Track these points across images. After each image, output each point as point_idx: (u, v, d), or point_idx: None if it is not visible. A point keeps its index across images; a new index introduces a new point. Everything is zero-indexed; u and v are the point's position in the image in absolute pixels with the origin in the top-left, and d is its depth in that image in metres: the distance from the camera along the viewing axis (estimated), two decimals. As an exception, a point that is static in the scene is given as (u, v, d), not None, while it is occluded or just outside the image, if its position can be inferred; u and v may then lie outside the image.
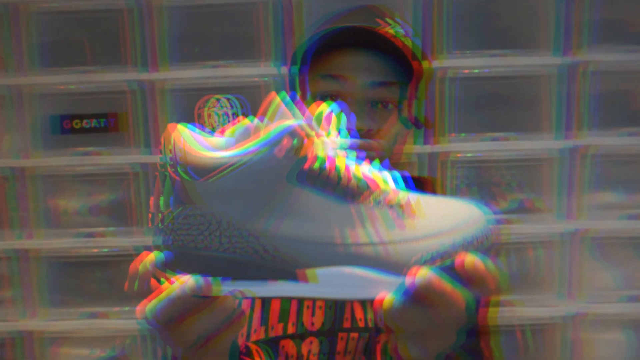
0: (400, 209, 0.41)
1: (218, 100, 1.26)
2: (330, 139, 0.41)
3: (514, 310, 1.27)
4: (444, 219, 0.41)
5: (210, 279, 0.39)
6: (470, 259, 0.38)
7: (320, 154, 0.39)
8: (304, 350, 0.65)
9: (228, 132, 0.43)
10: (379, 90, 0.68)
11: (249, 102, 1.27)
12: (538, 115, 1.28)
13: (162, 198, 0.41)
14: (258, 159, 0.37)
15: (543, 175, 1.29)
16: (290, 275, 0.39)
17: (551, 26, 1.26)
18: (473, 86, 1.29)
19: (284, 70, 1.25)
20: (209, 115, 1.27)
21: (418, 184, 0.84)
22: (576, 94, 1.28)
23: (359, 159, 0.44)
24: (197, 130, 0.44)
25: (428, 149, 1.27)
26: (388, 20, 0.71)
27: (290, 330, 0.65)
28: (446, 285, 0.37)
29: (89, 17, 1.28)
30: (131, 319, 1.29)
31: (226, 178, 0.37)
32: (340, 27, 0.66)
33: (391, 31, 0.69)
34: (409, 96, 0.75)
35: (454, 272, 0.38)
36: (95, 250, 1.28)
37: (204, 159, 0.38)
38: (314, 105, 0.42)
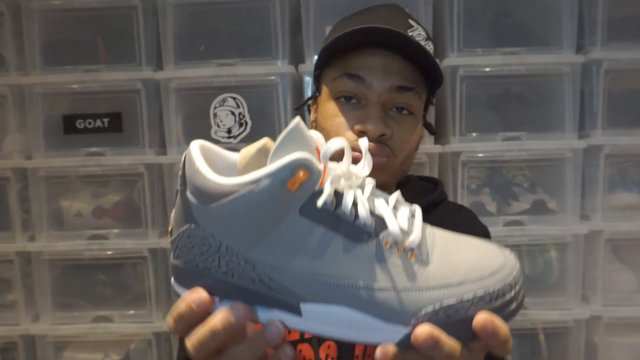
0: (410, 254, 0.38)
1: (224, 99, 1.24)
2: (343, 171, 0.39)
3: (529, 313, 1.24)
4: (457, 267, 0.38)
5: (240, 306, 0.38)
6: (481, 320, 0.35)
7: (331, 188, 0.37)
8: (322, 355, 0.63)
9: (244, 152, 0.42)
10: (397, 95, 0.65)
11: (257, 101, 1.25)
12: (552, 114, 1.26)
13: (174, 212, 0.41)
14: (264, 189, 0.36)
15: (557, 176, 1.26)
16: (286, 306, 0.38)
17: (565, 24, 1.23)
18: (485, 84, 1.26)
19: (292, 69, 1.23)
20: (215, 115, 1.24)
21: (428, 185, 0.83)
22: (591, 93, 1.25)
23: (374, 193, 0.42)
24: (217, 147, 0.43)
25: (439, 148, 1.25)
26: (412, 22, 0.68)
27: (308, 334, 0.62)
28: (452, 344, 0.35)
29: (94, 16, 1.26)
30: (137, 322, 1.27)
31: (229, 205, 0.36)
32: (371, 26, 0.62)
33: (420, 34, 0.67)
34: (426, 103, 0.73)
35: (462, 327, 0.36)
36: (101, 252, 1.26)
37: (209, 183, 0.37)
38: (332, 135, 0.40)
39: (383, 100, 0.65)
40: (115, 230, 1.27)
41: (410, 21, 0.68)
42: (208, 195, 0.37)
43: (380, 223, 0.39)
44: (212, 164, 0.41)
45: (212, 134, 1.25)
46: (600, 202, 1.24)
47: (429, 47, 0.68)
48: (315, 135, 0.42)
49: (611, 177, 1.25)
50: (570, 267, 1.25)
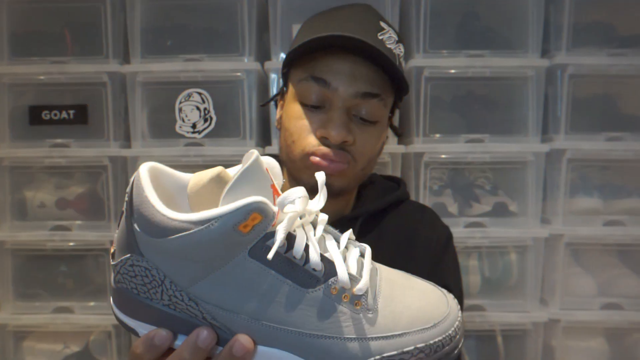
0: (357, 302, 0.38)
1: (190, 94, 1.25)
2: (298, 212, 0.38)
3: (488, 315, 1.24)
4: (400, 318, 0.38)
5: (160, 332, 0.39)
6: None
7: (284, 234, 0.36)
8: None
9: (196, 178, 0.41)
10: (361, 101, 0.64)
11: (222, 96, 1.25)
12: (515, 118, 1.27)
13: (118, 235, 0.40)
14: (215, 230, 0.35)
15: (519, 179, 1.27)
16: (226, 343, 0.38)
17: (531, 28, 1.24)
18: (449, 86, 1.27)
19: (258, 65, 1.24)
20: (180, 110, 1.25)
21: (391, 184, 0.83)
22: (555, 97, 1.26)
23: (326, 231, 0.41)
24: (167, 168, 0.42)
25: (402, 148, 1.25)
26: (383, 24, 0.67)
27: None
28: None
29: (62, 8, 1.26)
30: (97, 314, 1.27)
31: (177, 241, 0.35)
32: (337, 34, 0.60)
33: (391, 37, 0.66)
34: (392, 107, 0.72)
35: None
36: (63, 243, 1.26)
37: (158, 216, 0.36)
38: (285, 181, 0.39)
39: (347, 106, 0.64)
40: (78, 222, 1.27)
41: (382, 23, 0.67)
42: (156, 229, 0.36)
43: (329, 267, 0.38)
44: (161, 185, 0.40)
45: (177, 129, 1.26)
46: (561, 206, 1.25)
47: (400, 50, 0.68)
48: (270, 164, 0.42)
49: (573, 181, 1.26)
50: (530, 270, 1.26)
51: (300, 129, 0.65)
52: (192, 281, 0.37)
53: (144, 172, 0.39)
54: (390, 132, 0.82)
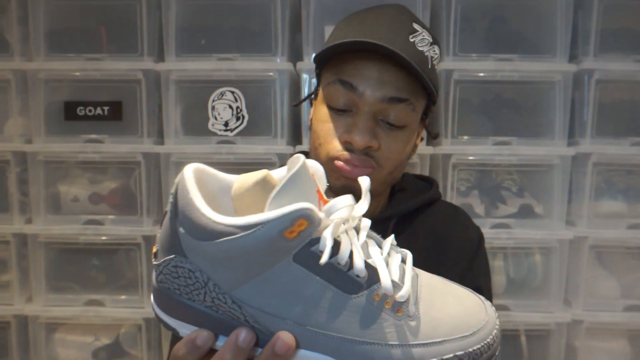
0: (398, 308, 0.39)
1: (223, 93, 1.27)
2: (343, 218, 0.38)
3: (512, 315, 1.27)
4: (439, 325, 0.39)
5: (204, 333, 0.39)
6: None
7: (329, 238, 0.37)
8: None
9: (241, 181, 0.41)
10: (389, 105, 0.63)
11: (254, 96, 1.27)
12: (542, 121, 1.29)
13: (161, 235, 0.39)
14: (261, 236, 0.35)
15: (545, 182, 1.29)
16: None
17: (559, 33, 1.26)
18: (478, 89, 1.29)
19: (290, 66, 1.26)
20: (213, 108, 1.27)
21: (423, 184, 0.84)
22: (581, 102, 1.28)
23: (369, 237, 0.41)
24: (211, 169, 0.42)
25: (430, 150, 1.27)
26: (416, 26, 0.66)
27: None
28: None
29: (99, 5, 1.29)
30: (128, 307, 1.29)
31: (222, 245, 0.35)
32: (364, 40, 0.60)
33: (424, 40, 0.65)
34: (424, 112, 0.71)
35: None
36: (96, 237, 1.28)
37: (203, 220, 0.36)
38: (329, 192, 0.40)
39: (374, 110, 0.63)
40: (111, 217, 1.29)
41: (415, 25, 0.66)
42: (201, 232, 0.36)
43: (372, 274, 0.39)
44: (205, 186, 0.40)
45: (210, 127, 1.28)
46: (586, 209, 1.27)
47: (434, 51, 0.67)
48: (315, 168, 0.42)
49: (598, 184, 1.28)
50: (554, 271, 1.28)
51: (327, 132, 0.66)
52: (236, 284, 0.37)
53: (189, 173, 0.38)
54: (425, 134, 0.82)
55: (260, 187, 0.40)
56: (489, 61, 1.26)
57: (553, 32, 1.27)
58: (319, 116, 0.68)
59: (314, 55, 0.67)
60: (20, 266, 1.33)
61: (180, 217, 0.37)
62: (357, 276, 0.38)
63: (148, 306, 1.29)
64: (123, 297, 1.30)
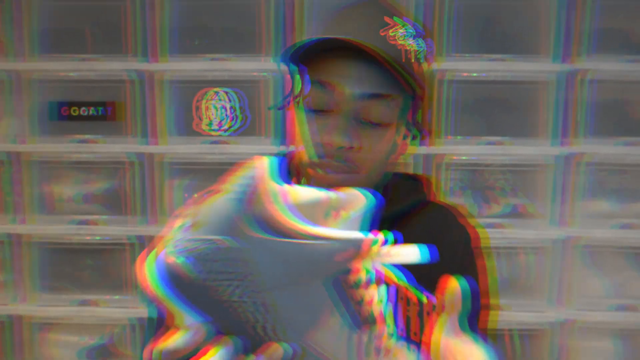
0: (390, 355, 0.40)
1: (216, 93, 1.27)
2: (379, 256, 0.39)
3: (503, 314, 1.27)
4: None
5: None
6: None
7: (365, 271, 0.38)
8: None
9: (309, 192, 0.41)
10: (368, 102, 0.61)
11: (248, 96, 1.27)
12: (534, 121, 1.29)
13: (214, 211, 0.37)
14: (322, 250, 0.36)
15: (537, 181, 1.29)
16: None
17: (551, 33, 1.26)
18: (471, 89, 1.29)
19: (283, 66, 1.26)
20: (207, 108, 1.27)
21: (414, 184, 0.83)
22: (573, 102, 1.28)
23: (385, 287, 0.42)
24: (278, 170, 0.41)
25: (423, 150, 1.28)
26: (397, 19, 0.64)
27: None
28: None
29: (91, 6, 1.29)
30: (121, 307, 1.30)
31: (287, 245, 0.36)
32: (332, 37, 0.59)
33: (406, 32, 0.63)
34: (412, 107, 0.68)
35: None
36: (88, 237, 1.28)
37: (279, 215, 0.36)
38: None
39: (353, 109, 0.61)
40: (103, 217, 1.29)
41: (395, 19, 0.64)
42: (271, 226, 0.36)
43: (378, 320, 0.40)
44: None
45: (202, 127, 1.28)
46: (578, 209, 1.27)
47: (419, 45, 0.64)
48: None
49: (589, 184, 1.28)
50: (546, 271, 1.28)
51: (306, 134, 0.64)
52: (273, 287, 0.37)
53: (274, 164, 0.38)
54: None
55: (324, 205, 0.41)
56: (481, 61, 1.26)
57: (545, 32, 1.27)
58: (298, 118, 0.66)
59: (283, 55, 0.65)
60: (13, 266, 1.32)
61: (255, 203, 0.36)
62: (367, 314, 0.40)
63: (140, 306, 1.29)
64: (116, 297, 1.30)
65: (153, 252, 0.38)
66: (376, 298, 0.40)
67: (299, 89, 0.66)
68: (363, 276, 0.39)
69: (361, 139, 0.62)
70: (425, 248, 0.41)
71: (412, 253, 0.41)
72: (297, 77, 0.69)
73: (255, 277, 0.36)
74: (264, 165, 0.38)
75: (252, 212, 0.36)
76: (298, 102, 0.67)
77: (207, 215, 0.37)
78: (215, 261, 0.36)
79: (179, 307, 0.37)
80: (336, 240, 0.36)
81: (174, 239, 0.37)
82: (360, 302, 0.40)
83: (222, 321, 0.37)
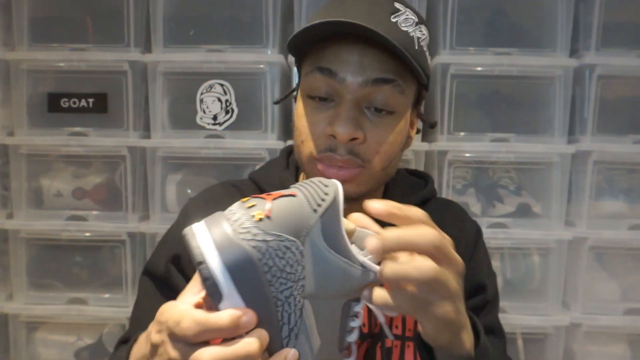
0: None
1: (212, 86, 1.23)
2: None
3: (508, 317, 1.22)
4: None
5: None
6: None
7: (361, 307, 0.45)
8: None
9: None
10: (373, 89, 0.58)
11: (244, 88, 1.23)
12: (541, 118, 1.25)
13: (290, 213, 0.40)
14: (358, 275, 0.42)
15: (544, 180, 1.25)
16: None
17: (560, 27, 1.22)
18: (475, 84, 1.25)
19: (282, 58, 1.22)
20: (201, 101, 1.23)
21: (417, 181, 0.79)
22: (582, 98, 1.24)
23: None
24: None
25: (426, 146, 1.23)
26: (398, 5, 0.61)
27: None
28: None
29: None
30: (112, 306, 1.25)
31: (340, 263, 0.41)
32: (338, 20, 0.55)
33: (408, 19, 0.60)
34: (417, 96, 0.66)
35: None
36: (79, 234, 1.24)
37: (342, 238, 0.42)
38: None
39: (358, 97, 0.58)
40: (95, 212, 1.25)
41: (397, 4, 0.61)
42: (334, 243, 0.41)
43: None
44: None
45: (198, 120, 1.24)
46: (586, 209, 1.23)
47: (421, 32, 0.62)
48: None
49: (598, 183, 1.24)
50: (552, 272, 1.24)
51: (308, 127, 0.61)
52: (312, 295, 0.40)
53: (342, 189, 0.44)
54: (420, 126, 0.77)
55: (350, 235, 0.45)
56: (487, 55, 1.22)
57: (553, 25, 1.22)
58: (299, 110, 0.63)
59: (288, 42, 0.61)
60: (1, 263, 1.29)
61: (326, 219, 0.41)
62: (346, 344, 0.45)
63: (132, 305, 1.25)
64: (106, 295, 1.26)
65: (205, 224, 0.38)
66: (356, 332, 0.44)
67: (302, 79, 0.63)
68: (359, 308, 0.43)
69: (366, 130, 0.59)
70: None
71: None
72: (300, 65, 0.66)
73: (304, 282, 0.39)
74: (339, 188, 0.43)
75: (324, 225, 0.41)
76: (300, 92, 0.64)
77: (282, 214, 0.39)
78: (280, 258, 0.38)
79: (223, 286, 0.36)
80: (367, 270, 0.42)
81: (244, 223, 0.38)
82: (348, 330, 0.44)
83: (258, 314, 0.37)
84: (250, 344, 0.36)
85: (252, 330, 0.37)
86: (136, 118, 1.25)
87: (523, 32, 1.24)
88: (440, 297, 0.43)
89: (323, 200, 0.41)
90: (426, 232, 0.43)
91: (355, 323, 0.44)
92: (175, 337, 0.37)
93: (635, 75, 1.22)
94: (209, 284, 0.36)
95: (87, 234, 1.24)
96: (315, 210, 0.40)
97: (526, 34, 1.24)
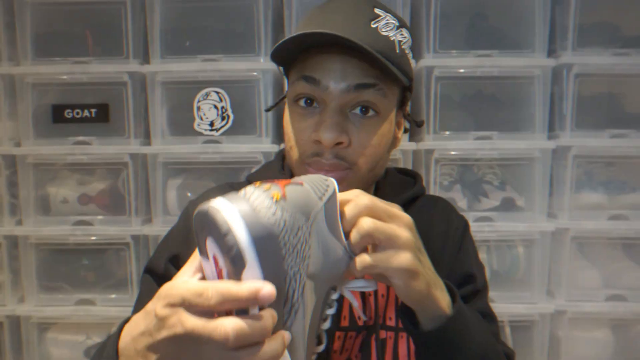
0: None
1: (208, 94, 1.29)
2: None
3: (496, 306, 1.28)
4: None
5: None
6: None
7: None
8: None
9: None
10: (356, 94, 0.60)
11: (239, 95, 1.29)
12: (522, 116, 1.31)
13: (295, 195, 0.43)
14: (344, 259, 0.47)
15: (526, 175, 1.31)
16: None
17: (537, 28, 1.28)
18: (459, 85, 1.31)
19: (274, 65, 1.28)
20: (199, 108, 1.29)
21: (406, 179, 0.84)
22: (561, 95, 1.30)
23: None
24: None
25: (413, 145, 1.29)
26: (379, 10, 0.63)
27: None
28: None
29: (84, 10, 1.31)
30: (118, 306, 1.32)
31: (337, 248, 0.47)
32: (316, 31, 0.57)
33: (389, 24, 0.63)
34: (402, 97, 0.68)
35: None
36: (86, 238, 1.30)
37: (337, 223, 0.47)
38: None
39: (341, 103, 0.60)
40: (100, 217, 1.32)
41: (377, 10, 0.63)
42: (334, 230, 0.47)
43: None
44: None
45: (195, 127, 1.30)
46: (567, 201, 1.29)
47: (402, 35, 0.64)
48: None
49: (578, 177, 1.30)
50: (537, 262, 1.30)
51: (296, 133, 0.64)
52: (311, 276, 0.43)
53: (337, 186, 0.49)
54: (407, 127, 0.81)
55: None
56: (469, 57, 1.28)
57: (531, 27, 1.29)
58: (286, 117, 0.67)
59: (271, 54, 0.63)
60: (12, 267, 1.35)
61: (328, 207, 0.46)
62: (320, 332, 0.48)
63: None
64: (113, 296, 1.32)
65: (227, 200, 0.40)
66: (329, 321, 0.47)
67: (289, 87, 0.66)
68: (335, 296, 0.47)
69: (351, 134, 0.61)
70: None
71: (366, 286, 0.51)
72: (288, 74, 0.69)
73: (309, 261, 0.42)
74: (335, 184, 0.48)
75: (326, 212, 0.45)
76: (287, 99, 0.67)
77: (295, 198, 0.43)
78: (294, 236, 0.41)
79: (247, 255, 0.38)
80: (349, 254, 0.47)
81: (265, 201, 0.40)
82: (323, 318, 0.46)
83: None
84: (267, 318, 0.38)
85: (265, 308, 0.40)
86: (137, 126, 1.31)
87: (503, 35, 1.31)
88: (397, 247, 0.48)
89: (326, 190, 0.46)
90: (360, 200, 0.49)
91: (330, 311, 0.47)
92: (194, 308, 0.39)
93: (610, 73, 1.28)
94: (234, 253, 0.38)
95: (93, 238, 1.30)
96: (320, 198, 0.45)
97: (506, 36, 1.30)
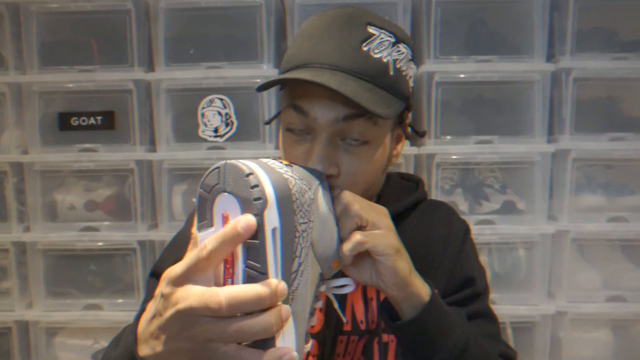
0: None
1: (212, 100, 1.31)
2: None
3: (498, 308, 1.30)
4: None
5: None
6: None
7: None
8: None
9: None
10: (345, 124, 0.59)
11: (243, 102, 1.31)
12: (522, 120, 1.33)
13: (301, 174, 0.48)
14: (338, 242, 0.52)
15: (527, 178, 1.33)
16: None
17: (537, 34, 1.30)
18: (459, 90, 1.33)
19: (277, 72, 1.30)
20: (203, 115, 1.31)
21: (408, 184, 0.85)
22: (560, 100, 1.32)
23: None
24: None
25: (415, 150, 1.31)
26: (372, 29, 0.61)
27: None
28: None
29: (89, 19, 1.33)
30: (125, 310, 1.33)
31: (333, 224, 0.51)
32: (298, 78, 0.56)
33: (384, 42, 0.61)
34: (399, 116, 0.67)
35: None
36: (92, 243, 1.32)
37: (333, 212, 0.53)
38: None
39: (331, 133, 0.59)
40: (106, 223, 1.33)
41: (370, 28, 0.61)
42: (330, 204, 0.52)
43: None
44: None
45: (200, 133, 1.32)
46: (567, 204, 1.31)
47: (397, 53, 0.62)
48: None
49: (578, 180, 1.32)
50: (538, 264, 1.32)
51: (289, 159, 0.62)
52: (313, 242, 0.47)
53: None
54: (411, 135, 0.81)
55: None
56: (469, 63, 1.30)
57: (530, 33, 1.31)
58: (283, 139, 0.65)
59: (256, 89, 0.62)
60: (20, 273, 1.37)
61: (325, 190, 0.52)
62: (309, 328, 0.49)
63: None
64: (120, 300, 1.34)
65: (245, 161, 0.42)
66: (315, 316, 0.50)
67: (282, 110, 0.64)
68: (323, 289, 0.50)
69: (341, 164, 0.60)
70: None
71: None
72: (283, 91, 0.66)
73: (313, 225, 0.46)
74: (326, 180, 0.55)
75: (324, 192, 0.51)
76: (281, 123, 0.65)
77: (299, 169, 0.49)
78: (302, 195, 0.45)
79: (271, 201, 0.40)
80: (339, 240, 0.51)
81: (277, 163, 0.46)
82: (311, 311, 0.46)
83: (283, 235, 0.41)
84: (263, 285, 0.39)
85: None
86: (142, 133, 1.33)
87: (502, 40, 1.32)
88: (382, 229, 0.53)
89: (319, 178, 0.52)
90: (345, 192, 0.55)
91: (318, 304, 0.49)
92: (196, 277, 0.40)
93: (608, 77, 1.29)
94: (256, 193, 0.39)
95: (100, 244, 1.32)
96: (318, 178, 0.51)
97: (505, 41, 1.32)
